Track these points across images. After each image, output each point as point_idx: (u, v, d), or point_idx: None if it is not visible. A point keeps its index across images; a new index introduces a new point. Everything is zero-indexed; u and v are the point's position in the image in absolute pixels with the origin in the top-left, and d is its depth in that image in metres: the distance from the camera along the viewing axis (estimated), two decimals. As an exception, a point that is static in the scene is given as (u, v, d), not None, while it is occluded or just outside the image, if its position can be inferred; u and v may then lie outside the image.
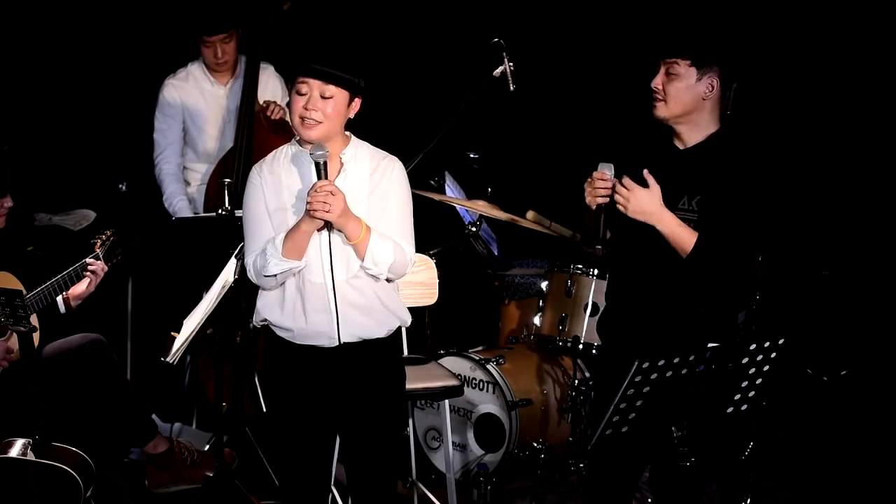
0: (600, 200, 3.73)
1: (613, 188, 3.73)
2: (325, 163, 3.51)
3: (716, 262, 3.71)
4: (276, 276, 3.57)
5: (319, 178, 3.50)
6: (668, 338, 3.74)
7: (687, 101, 3.74)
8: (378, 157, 3.69)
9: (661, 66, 3.77)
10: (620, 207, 3.71)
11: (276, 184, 3.62)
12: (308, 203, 3.47)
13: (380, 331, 3.70)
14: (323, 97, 3.54)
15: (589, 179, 3.76)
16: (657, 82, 3.76)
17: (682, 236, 3.70)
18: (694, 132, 3.79)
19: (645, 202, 3.70)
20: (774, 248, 5.06)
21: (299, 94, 3.55)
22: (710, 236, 3.69)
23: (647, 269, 3.82)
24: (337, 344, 3.62)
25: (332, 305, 3.59)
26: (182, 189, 5.36)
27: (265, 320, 3.69)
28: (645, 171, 3.72)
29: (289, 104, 3.63)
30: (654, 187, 3.70)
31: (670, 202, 3.72)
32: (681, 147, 3.81)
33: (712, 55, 3.73)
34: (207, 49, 5.34)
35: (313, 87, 3.54)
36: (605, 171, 3.74)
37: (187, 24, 5.39)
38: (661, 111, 3.77)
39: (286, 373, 3.69)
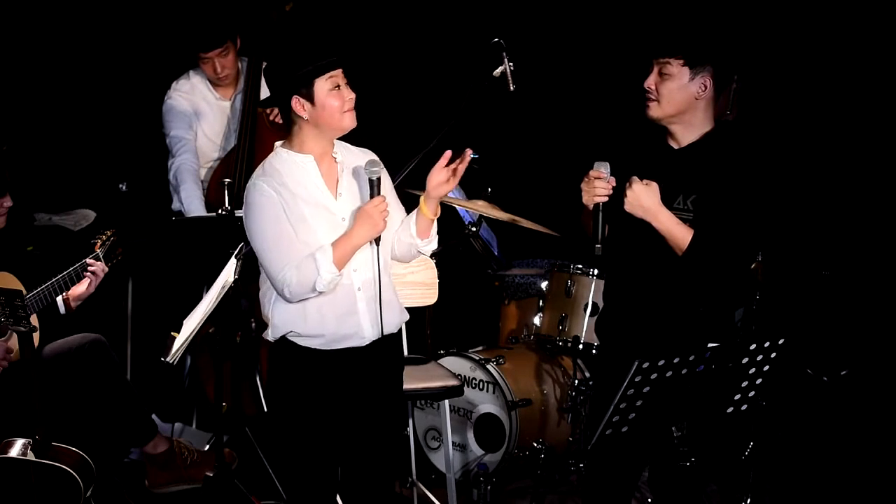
0: (598, 199, 3.73)
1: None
2: (379, 179, 3.63)
3: (711, 260, 3.71)
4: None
5: (374, 194, 3.62)
6: (667, 337, 3.74)
7: (680, 101, 3.74)
8: (358, 151, 3.78)
9: (654, 66, 3.77)
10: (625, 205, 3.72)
11: (290, 197, 3.62)
12: (368, 221, 3.58)
13: (398, 324, 3.79)
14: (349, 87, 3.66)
15: (586, 178, 3.76)
16: (650, 82, 3.76)
17: (679, 234, 3.70)
18: (688, 132, 3.79)
19: (642, 196, 3.71)
20: (774, 247, 5.07)
21: (336, 88, 3.59)
22: (705, 235, 3.69)
23: (644, 269, 3.82)
24: (368, 342, 3.69)
25: (378, 307, 3.67)
26: (200, 189, 5.29)
27: (291, 332, 3.67)
28: (634, 178, 3.73)
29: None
30: (653, 184, 3.71)
31: (665, 202, 3.73)
32: (675, 147, 3.81)
33: (705, 54, 3.73)
34: (206, 65, 5.30)
35: (340, 77, 3.61)
36: (602, 170, 3.74)
37: (182, 42, 5.36)
38: (654, 111, 3.77)
39: (312, 382, 3.69)
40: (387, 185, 3.76)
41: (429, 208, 3.69)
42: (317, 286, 3.57)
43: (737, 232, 3.70)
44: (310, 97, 3.58)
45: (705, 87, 3.73)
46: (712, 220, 3.70)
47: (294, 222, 3.60)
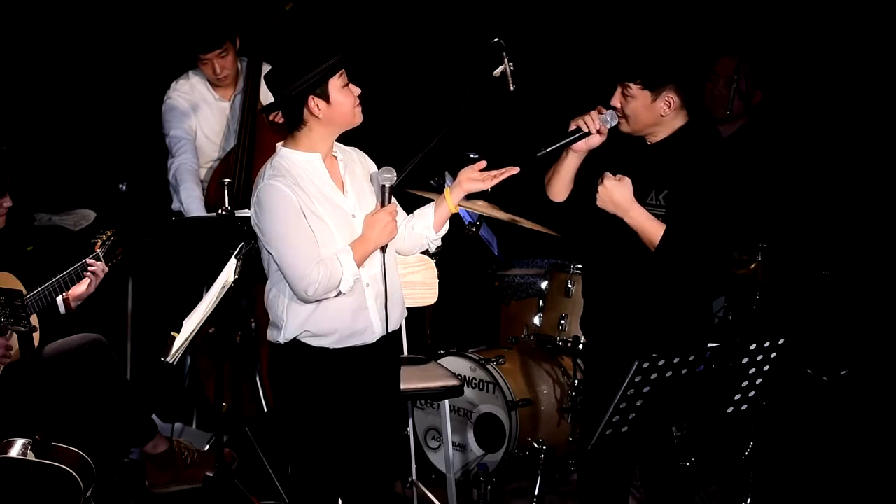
0: (580, 124, 3.80)
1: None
2: (392, 186, 3.67)
3: (683, 255, 3.71)
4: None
5: (387, 200, 3.69)
6: (647, 332, 3.77)
7: (647, 118, 3.78)
8: (351, 150, 3.82)
9: (618, 87, 3.79)
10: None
11: (305, 196, 3.63)
12: (386, 227, 3.64)
13: (401, 319, 3.83)
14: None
15: (591, 112, 3.81)
16: (615, 102, 3.81)
17: (651, 229, 3.72)
18: (661, 132, 3.82)
19: (614, 192, 3.74)
20: (774, 247, 5.08)
21: (347, 85, 3.64)
22: (676, 229, 3.70)
23: (620, 265, 3.84)
24: (377, 338, 3.72)
25: (383, 307, 3.70)
26: (199, 189, 5.29)
27: (304, 333, 3.67)
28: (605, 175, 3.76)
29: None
30: (625, 180, 3.74)
31: (639, 197, 3.77)
32: (648, 142, 3.84)
33: (663, 76, 3.75)
34: (205, 66, 5.30)
35: (345, 74, 3.65)
36: (606, 112, 3.79)
37: (182, 43, 5.36)
38: (625, 128, 3.84)
39: (324, 383, 3.70)
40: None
41: (453, 199, 3.75)
42: (341, 286, 3.60)
43: (707, 226, 3.71)
44: (325, 96, 3.60)
45: (670, 104, 3.76)
46: (683, 215, 3.71)
47: (311, 221, 3.62)
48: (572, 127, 3.83)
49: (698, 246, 3.72)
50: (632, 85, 3.75)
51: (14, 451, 4.01)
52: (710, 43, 5.67)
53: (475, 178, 3.74)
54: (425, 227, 3.80)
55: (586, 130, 3.80)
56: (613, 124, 3.81)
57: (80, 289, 4.48)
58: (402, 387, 3.98)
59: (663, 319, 3.80)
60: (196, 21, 5.30)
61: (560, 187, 3.95)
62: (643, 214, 3.73)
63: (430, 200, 5.01)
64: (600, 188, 3.74)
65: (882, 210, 5.65)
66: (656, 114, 3.76)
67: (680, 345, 3.41)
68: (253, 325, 5.09)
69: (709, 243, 3.74)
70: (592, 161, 3.82)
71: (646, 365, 3.22)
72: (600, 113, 3.80)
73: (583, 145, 3.84)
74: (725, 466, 5.11)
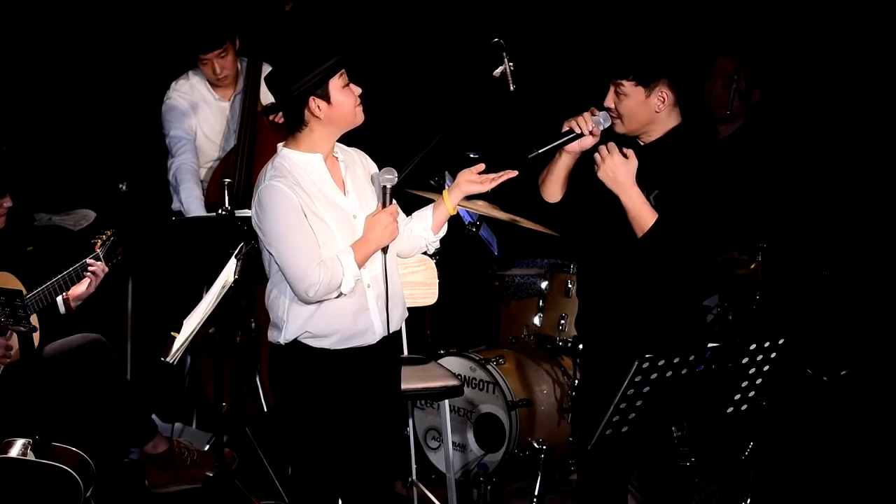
0: (573, 125, 3.80)
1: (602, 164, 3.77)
2: (393, 187, 3.67)
3: (669, 247, 3.70)
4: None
5: (388, 202, 3.69)
6: (643, 332, 3.77)
7: (642, 117, 3.78)
8: (351, 150, 3.82)
9: (611, 86, 3.79)
10: (596, 169, 3.75)
11: (306, 196, 3.63)
12: (387, 228, 3.64)
13: (401, 320, 3.83)
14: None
15: (584, 113, 3.82)
16: (609, 102, 3.80)
17: (644, 214, 3.72)
18: (654, 132, 3.82)
19: (619, 169, 3.73)
20: (774, 247, 5.08)
21: (347, 85, 3.63)
22: (667, 222, 3.69)
23: (615, 266, 3.84)
24: (377, 339, 3.72)
25: (384, 308, 3.70)
26: (199, 189, 5.28)
27: (304, 334, 3.67)
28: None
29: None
30: (632, 158, 3.73)
31: None
32: (641, 143, 3.84)
33: (656, 70, 3.74)
34: (205, 66, 5.30)
35: (345, 74, 3.65)
36: (599, 114, 3.79)
37: (181, 43, 5.36)
38: (619, 128, 3.83)
39: (324, 384, 3.70)
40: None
41: (452, 201, 3.76)
42: (342, 287, 3.60)
43: (694, 223, 3.71)
44: (325, 96, 3.59)
45: (664, 99, 3.75)
46: (672, 211, 3.71)
47: (312, 221, 3.61)
48: (565, 128, 3.83)
49: (684, 242, 3.71)
50: (625, 82, 3.75)
51: (14, 451, 4.01)
52: (705, 41, 5.68)
53: (474, 180, 3.74)
54: (424, 228, 3.80)
55: (579, 132, 3.80)
56: (606, 126, 3.81)
57: (80, 289, 4.48)
58: (403, 387, 3.98)
59: (656, 319, 3.79)
60: (196, 21, 5.30)
61: (554, 188, 3.96)
62: (641, 197, 3.72)
63: (430, 201, 5.02)
64: (607, 159, 3.72)
65: (882, 210, 5.65)
66: (651, 111, 3.75)
67: (673, 343, 3.41)
68: (253, 325, 5.09)
69: (695, 240, 3.74)
70: (586, 163, 3.82)
71: (646, 365, 3.22)
72: (593, 114, 3.80)
73: (576, 147, 3.84)
74: (725, 466, 5.11)
